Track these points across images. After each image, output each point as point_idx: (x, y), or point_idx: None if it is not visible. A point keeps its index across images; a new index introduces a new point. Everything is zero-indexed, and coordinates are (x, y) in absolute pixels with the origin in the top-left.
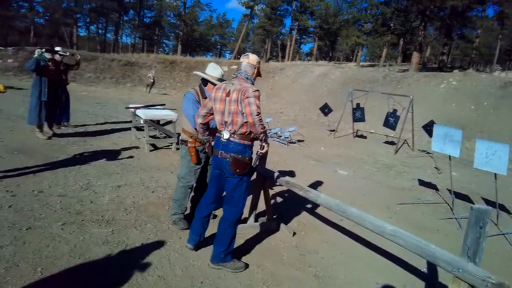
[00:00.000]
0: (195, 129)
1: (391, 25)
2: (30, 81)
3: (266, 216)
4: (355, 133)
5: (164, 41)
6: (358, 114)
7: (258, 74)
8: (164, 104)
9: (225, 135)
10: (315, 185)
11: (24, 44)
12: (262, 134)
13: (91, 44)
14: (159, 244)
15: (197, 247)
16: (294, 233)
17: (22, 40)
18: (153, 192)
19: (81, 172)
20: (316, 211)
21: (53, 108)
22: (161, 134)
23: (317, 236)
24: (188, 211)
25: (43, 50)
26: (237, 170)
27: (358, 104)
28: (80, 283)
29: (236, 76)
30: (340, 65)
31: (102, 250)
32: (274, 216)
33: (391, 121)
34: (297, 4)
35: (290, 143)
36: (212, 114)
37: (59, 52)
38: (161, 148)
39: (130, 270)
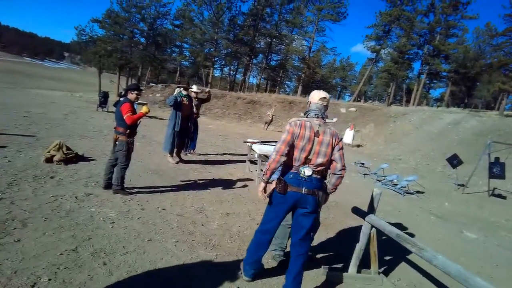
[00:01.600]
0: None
1: None
2: (170, 113)
3: (371, 269)
4: (491, 191)
5: (287, 82)
6: (497, 169)
7: None
8: (277, 141)
9: (307, 172)
10: (433, 244)
11: (171, 82)
12: (336, 187)
13: (222, 83)
14: (257, 277)
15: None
16: None
17: (169, 79)
18: (257, 224)
19: (198, 196)
20: (431, 273)
21: (184, 138)
22: None
23: None
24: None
25: (181, 89)
26: (322, 206)
27: (497, 158)
28: None
29: (317, 116)
30: (478, 113)
31: (205, 272)
32: (380, 271)
33: None
34: (429, 47)
35: (407, 193)
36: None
37: (193, 90)
38: (270, 182)
39: None
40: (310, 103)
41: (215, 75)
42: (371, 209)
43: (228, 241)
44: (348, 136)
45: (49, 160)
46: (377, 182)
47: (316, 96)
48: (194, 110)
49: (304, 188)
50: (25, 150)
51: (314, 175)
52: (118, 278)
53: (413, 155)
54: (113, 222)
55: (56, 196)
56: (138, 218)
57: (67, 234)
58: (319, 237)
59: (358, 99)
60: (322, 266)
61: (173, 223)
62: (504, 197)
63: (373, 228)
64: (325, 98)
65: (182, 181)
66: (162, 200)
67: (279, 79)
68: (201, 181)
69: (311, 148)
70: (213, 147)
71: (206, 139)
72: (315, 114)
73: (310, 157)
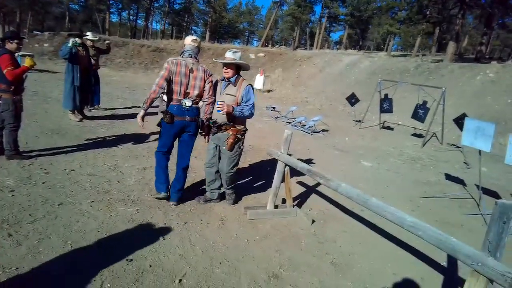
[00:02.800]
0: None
1: (427, 13)
2: (64, 65)
3: (286, 203)
4: (381, 125)
5: (193, 28)
6: (386, 105)
7: None
8: None
9: (188, 103)
10: (338, 175)
11: (59, 29)
12: (210, 114)
13: (122, 30)
14: (181, 225)
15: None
16: (313, 221)
17: (57, 26)
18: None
19: (109, 153)
20: (336, 200)
21: (85, 92)
22: None
23: (336, 225)
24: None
25: (76, 39)
26: (200, 129)
27: (386, 95)
28: (106, 257)
29: (190, 56)
30: (370, 54)
31: (127, 228)
32: (294, 204)
33: (420, 113)
34: None
35: (314, 132)
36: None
37: (88, 38)
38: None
39: (153, 248)
40: (185, 45)
41: (113, 20)
42: (284, 149)
43: (148, 195)
44: (258, 82)
45: None
46: (287, 124)
47: (189, 38)
48: (93, 61)
49: (187, 117)
50: None
51: (193, 105)
52: (28, 247)
53: (318, 97)
54: (13, 191)
55: None
56: (43, 183)
57: None
58: (239, 181)
59: (266, 44)
60: (243, 207)
61: (85, 183)
62: (392, 129)
63: (287, 167)
64: (196, 40)
65: (90, 139)
66: (69, 161)
67: (185, 24)
68: (111, 138)
69: (188, 83)
70: (120, 100)
71: (111, 92)
72: (189, 55)
73: (188, 90)
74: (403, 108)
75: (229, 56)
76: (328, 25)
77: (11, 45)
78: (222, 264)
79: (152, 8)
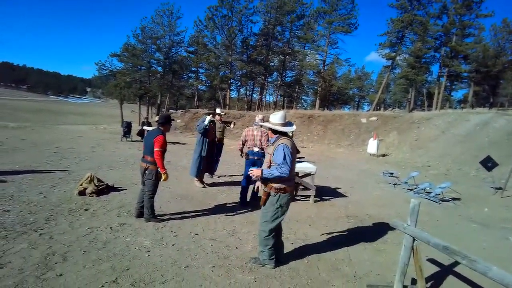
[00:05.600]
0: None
1: None
2: (193, 137)
3: (417, 284)
4: None
5: (303, 97)
6: None
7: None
8: (303, 157)
9: (256, 149)
10: (479, 254)
11: (189, 107)
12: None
13: (240, 104)
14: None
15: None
16: None
17: (187, 103)
18: (292, 243)
19: (229, 219)
20: (482, 285)
21: (209, 161)
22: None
23: None
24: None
25: (210, 117)
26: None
27: None
28: None
29: (255, 125)
30: (506, 111)
31: None
32: (427, 286)
33: None
34: (446, 49)
35: (443, 201)
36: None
37: (217, 113)
38: (299, 199)
39: None
40: (255, 120)
41: (232, 96)
42: (411, 221)
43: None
44: (372, 146)
45: (82, 192)
46: (409, 192)
47: (256, 117)
48: (217, 134)
49: (256, 156)
50: (59, 184)
51: (259, 151)
52: None
53: (442, 161)
54: (149, 251)
55: (92, 228)
56: (173, 245)
57: (106, 265)
58: (360, 255)
59: (378, 107)
60: (367, 285)
61: (207, 247)
62: None
63: (416, 241)
64: (258, 115)
65: (211, 205)
66: (194, 225)
67: (295, 95)
68: (230, 203)
69: (254, 139)
70: (237, 167)
71: (230, 161)
72: (255, 124)
73: (256, 142)
74: None
75: (272, 120)
76: (448, 84)
77: (166, 127)
78: None
79: (266, 83)
